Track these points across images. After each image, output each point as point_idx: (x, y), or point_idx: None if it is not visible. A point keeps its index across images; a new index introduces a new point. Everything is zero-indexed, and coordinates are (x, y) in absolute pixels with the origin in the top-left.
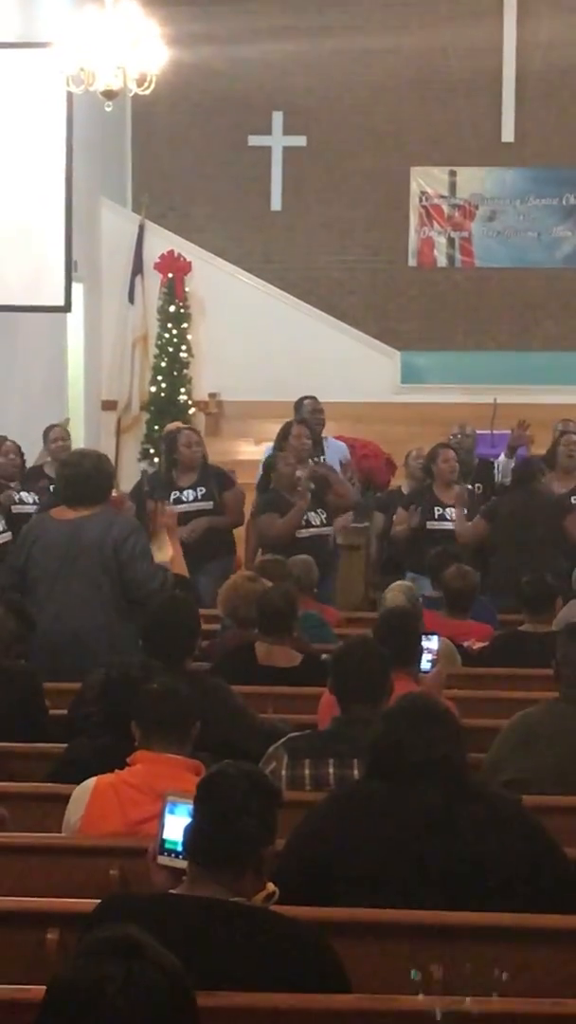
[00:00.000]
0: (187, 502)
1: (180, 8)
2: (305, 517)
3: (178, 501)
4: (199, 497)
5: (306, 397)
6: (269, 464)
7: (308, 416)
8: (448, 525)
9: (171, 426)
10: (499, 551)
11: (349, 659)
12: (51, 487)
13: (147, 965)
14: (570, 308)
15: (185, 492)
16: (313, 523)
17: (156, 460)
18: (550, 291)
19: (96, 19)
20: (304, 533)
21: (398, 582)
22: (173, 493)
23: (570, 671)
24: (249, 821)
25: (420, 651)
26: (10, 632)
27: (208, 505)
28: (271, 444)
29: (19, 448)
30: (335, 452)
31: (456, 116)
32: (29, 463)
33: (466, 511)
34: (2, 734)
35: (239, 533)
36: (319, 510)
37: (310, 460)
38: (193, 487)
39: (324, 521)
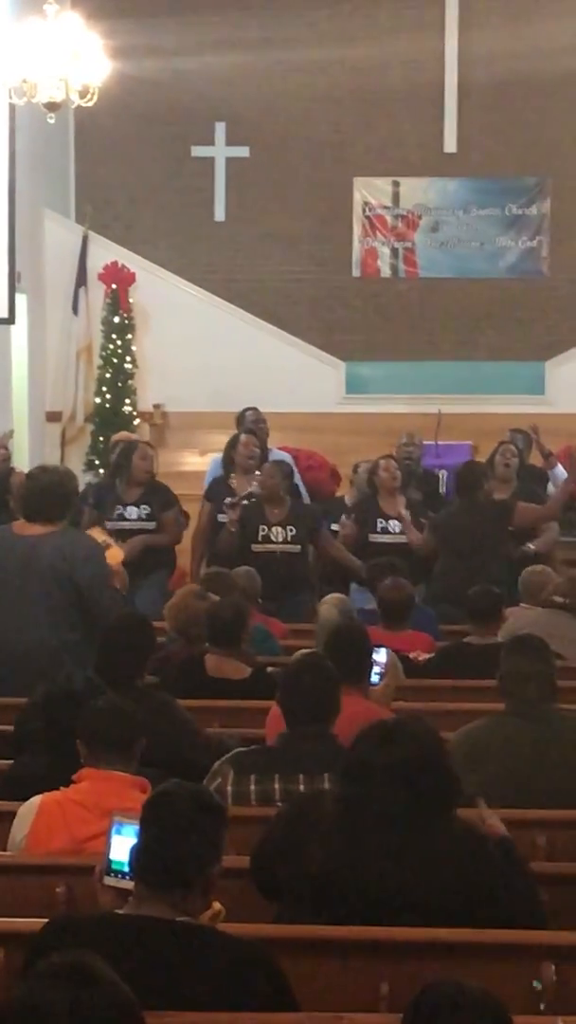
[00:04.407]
0: (130, 520)
1: (122, 20)
2: (263, 532)
3: (121, 518)
4: (142, 516)
5: (248, 409)
6: (233, 439)
7: (252, 427)
8: (389, 538)
9: (120, 436)
10: (441, 558)
11: (299, 678)
12: None
13: (96, 993)
14: (514, 318)
15: (129, 509)
16: (275, 539)
17: (102, 471)
18: (493, 301)
19: (38, 31)
20: (260, 548)
21: (330, 595)
22: (117, 508)
23: (514, 684)
24: (195, 840)
25: (370, 665)
26: None
27: (150, 525)
28: (216, 455)
29: None
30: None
31: (399, 127)
32: None
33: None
34: None
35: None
36: (289, 527)
37: (256, 471)
38: (137, 504)
39: (291, 539)
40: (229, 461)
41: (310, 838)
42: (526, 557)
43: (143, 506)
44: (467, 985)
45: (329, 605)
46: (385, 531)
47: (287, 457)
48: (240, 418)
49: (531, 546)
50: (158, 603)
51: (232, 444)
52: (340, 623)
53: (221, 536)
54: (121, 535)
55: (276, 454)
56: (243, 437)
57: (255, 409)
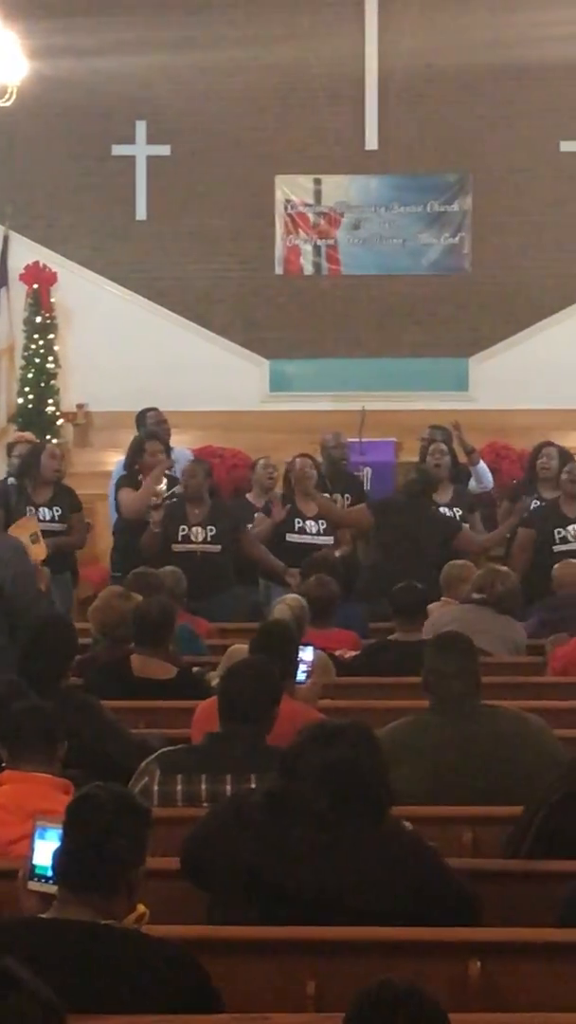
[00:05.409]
0: (44, 521)
1: (39, 20)
2: (183, 531)
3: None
4: (55, 518)
5: (149, 409)
6: (136, 444)
7: (154, 428)
8: (308, 538)
9: (18, 436)
10: (374, 552)
11: (239, 679)
12: None
13: (21, 996)
14: (437, 315)
15: (42, 510)
16: (194, 539)
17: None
18: (416, 298)
19: None
20: (180, 548)
21: (289, 595)
22: (29, 509)
23: (438, 681)
24: (119, 843)
25: (296, 664)
26: None
27: (61, 527)
28: (122, 458)
29: None
30: (183, 461)
31: (320, 124)
32: None
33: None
34: None
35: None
36: (209, 527)
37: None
38: (49, 506)
39: (211, 538)
40: (134, 467)
41: (242, 834)
42: None
43: (55, 507)
44: (415, 982)
45: (284, 605)
46: (303, 531)
47: (188, 454)
48: (140, 419)
49: None
50: (65, 605)
51: (138, 451)
52: (268, 622)
53: (145, 536)
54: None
55: (179, 453)
56: (148, 445)
57: (156, 410)
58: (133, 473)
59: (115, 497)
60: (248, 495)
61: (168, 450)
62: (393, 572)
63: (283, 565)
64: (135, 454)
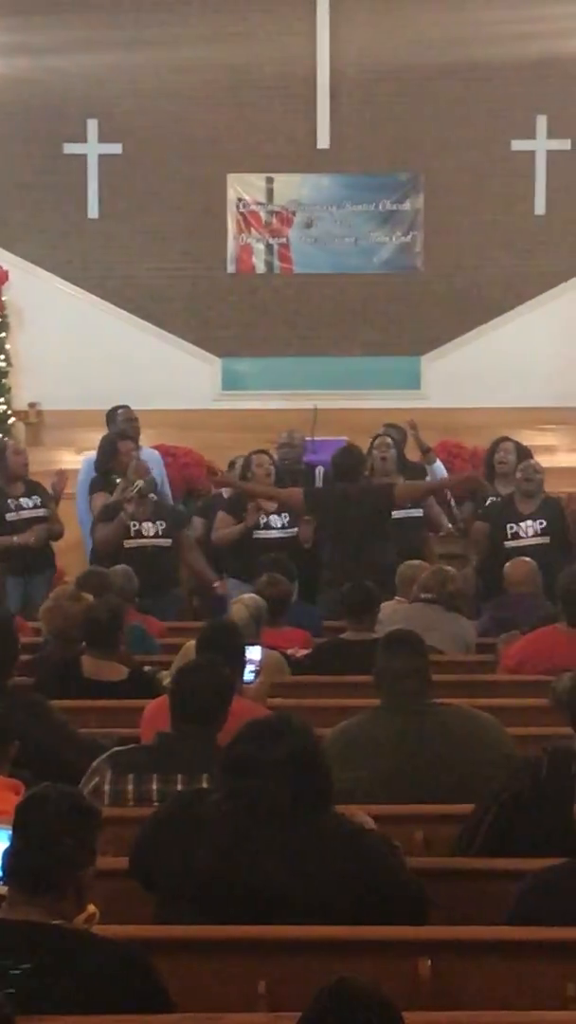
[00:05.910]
0: (27, 508)
1: None
2: (135, 527)
3: (20, 508)
4: (36, 505)
5: (119, 407)
6: (109, 445)
7: (124, 426)
8: (274, 533)
9: None
10: (328, 546)
11: (191, 678)
12: None
13: None
14: (388, 313)
15: (22, 500)
16: (146, 533)
17: None
18: (368, 296)
19: None
20: (132, 543)
21: (247, 595)
22: (10, 501)
23: (389, 680)
24: (68, 843)
25: (243, 663)
26: None
27: (45, 512)
28: (87, 455)
29: None
30: (150, 462)
31: (271, 123)
32: None
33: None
34: None
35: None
36: (159, 521)
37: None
38: (28, 495)
39: (162, 532)
40: (107, 466)
41: (193, 836)
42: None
43: (33, 496)
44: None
45: (241, 605)
46: (268, 527)
47: (158, 456)
48: (111, 417)
49: None
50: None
51: (111, 452)
52: (213, 621)
53: (112, 527)
54: (23, 525)
55: (146, 453)
56: (122, 445)
57: (126, 407)
58: (106, 474)
59: (90, 501)
60: (224, 492)
61: (138, 447)
62: (348, 559)
63: (212, 575)
64: (107, 454)
